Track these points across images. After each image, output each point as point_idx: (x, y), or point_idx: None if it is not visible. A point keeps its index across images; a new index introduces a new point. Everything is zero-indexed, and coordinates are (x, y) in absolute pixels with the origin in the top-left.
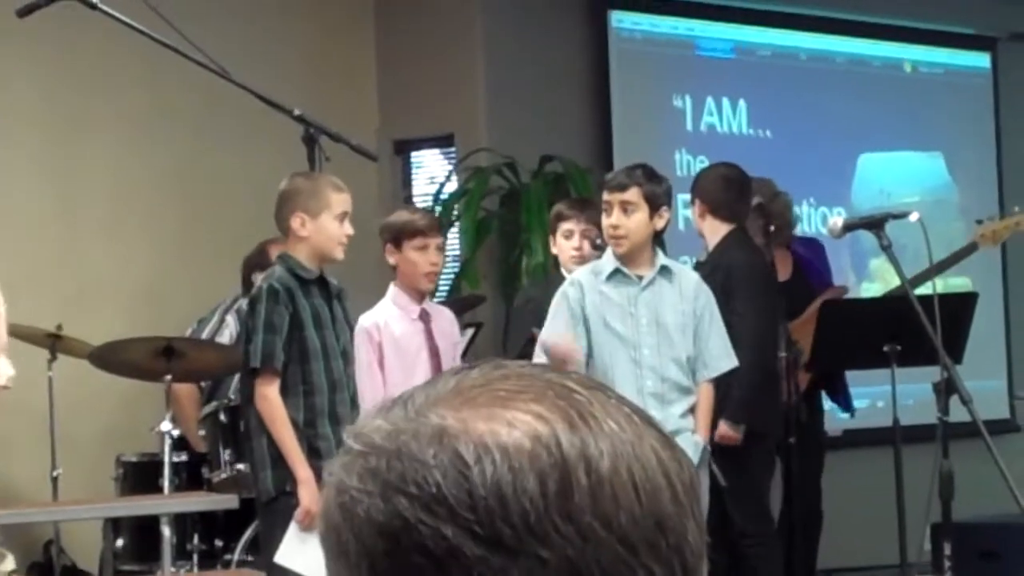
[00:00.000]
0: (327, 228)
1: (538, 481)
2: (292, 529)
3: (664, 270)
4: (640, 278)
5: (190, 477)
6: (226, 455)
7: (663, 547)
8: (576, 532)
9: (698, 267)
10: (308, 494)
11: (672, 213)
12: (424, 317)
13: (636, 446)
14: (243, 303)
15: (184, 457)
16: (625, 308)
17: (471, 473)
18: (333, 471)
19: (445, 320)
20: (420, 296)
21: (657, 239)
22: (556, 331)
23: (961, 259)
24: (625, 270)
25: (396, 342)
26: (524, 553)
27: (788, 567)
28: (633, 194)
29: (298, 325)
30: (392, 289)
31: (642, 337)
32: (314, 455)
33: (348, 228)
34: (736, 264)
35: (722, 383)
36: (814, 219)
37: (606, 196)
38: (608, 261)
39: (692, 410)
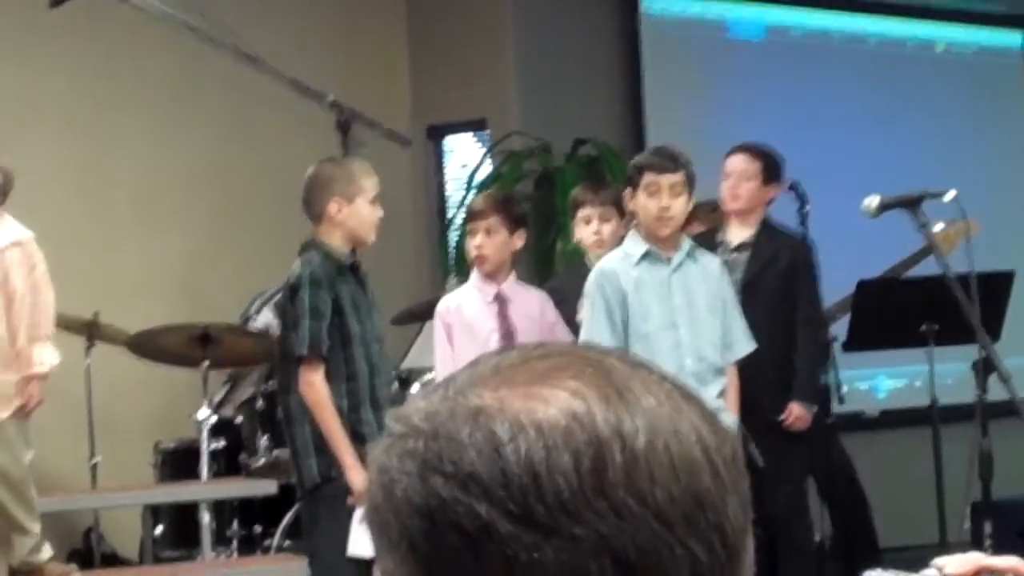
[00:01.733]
0: (362, 212)
1: (572, 458)
2: (356, 518)
3: (690, 251)
4: (669, 259)
5: (228, 463)
6: (263, 441)
7: (701, 523)
8: (610, 508)
9: (740, 249)
10: (358, 478)
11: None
12: (500, 299)
13: (674, 421)
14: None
15: (222, 443)
16: (660, 290)
17: (505, 451)
18: (376, 454)
19: (531, 302)
20: (497, 278)
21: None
22: (599, 336)
23: (919, 261)
24: (656, 251)
25: (468, 324)
26: (557, 531)
27: (848, 546)
28: (681, 177)
29: (338, 311)
30: (474, 271)
31: (679, 317)
32: (358, 440)
33: (379, 211)
34: (801, 246)
35: (785, 362)
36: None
37: (653, 178)
38: (635, 244)
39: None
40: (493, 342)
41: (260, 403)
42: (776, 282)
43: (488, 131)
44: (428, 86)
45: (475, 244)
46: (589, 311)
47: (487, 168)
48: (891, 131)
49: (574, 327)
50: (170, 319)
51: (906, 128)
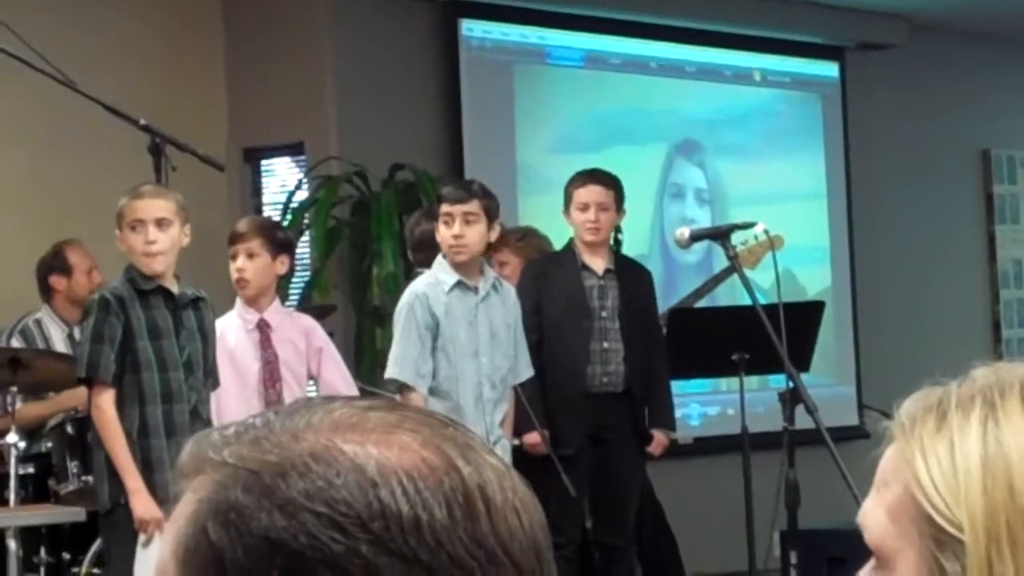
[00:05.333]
0: (127, 240)
1: (446, 505)
2: (140, 544)
3: (495, 282)
4: (476, 289)
5: (37, 489)
6: (73, 467)
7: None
8: (486, 557)
9: (607, 275)
10: (140, 504)
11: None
12: (262, 326)
13: (511, 479)
14: (28, 323)
15: (31, 469)
16: (467, 318)
17: (380, 492)
18: (199, 488)
19: (296, 328)
20: (259, 304)
21: (488, 251)
22: (409, 356)
23: (721, 282)
24: (466, 281)
25: (231, 352)
26: (439, 571)
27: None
28: (475, 206)
29: (130, 335)
30: (238, 298)
31: (482, 347)
32: (147, 467)
33: (151, 235)
34: (647, 273)
35: (648, 392)
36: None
37: (447, 208)
38: (446, 272)
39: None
40: (255, 371)
41: (70, 428)
42: (641, 308)
43: (306, 155)
44: (245, 108)
45: (236, 267)
46: (400, 331)
47: (305, 192)
48: (712, 159)
49: None
50: None
51: (727, 156)
